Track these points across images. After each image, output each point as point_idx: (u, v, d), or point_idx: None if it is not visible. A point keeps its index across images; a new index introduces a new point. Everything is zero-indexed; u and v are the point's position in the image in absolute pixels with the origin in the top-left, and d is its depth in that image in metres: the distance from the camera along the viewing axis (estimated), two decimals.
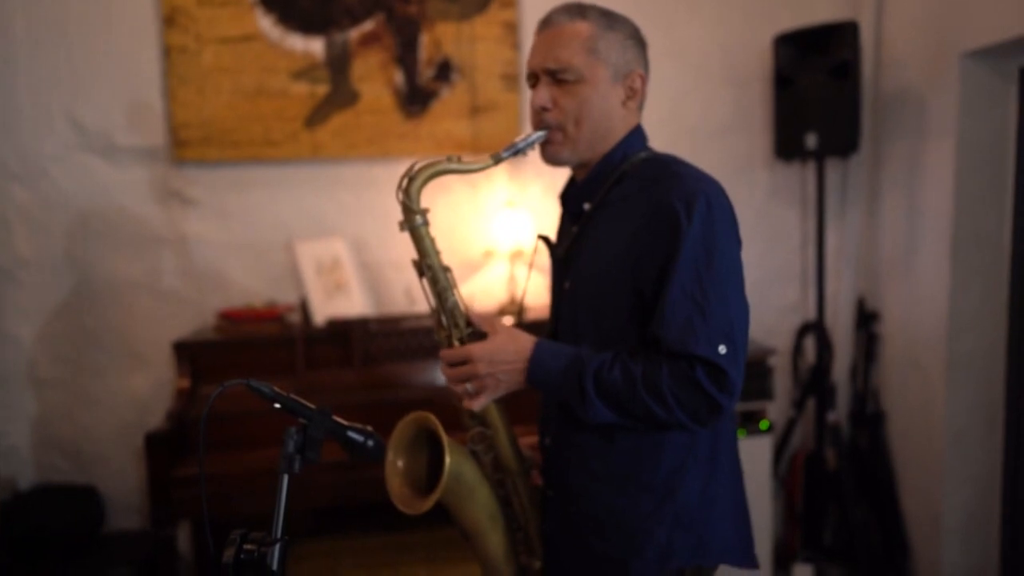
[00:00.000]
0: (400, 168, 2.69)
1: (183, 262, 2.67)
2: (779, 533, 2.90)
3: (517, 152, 1.20)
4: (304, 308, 2.56)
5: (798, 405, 2.90)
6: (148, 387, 2.66)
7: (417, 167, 1.20)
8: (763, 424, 2.55)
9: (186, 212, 2.65)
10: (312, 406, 1.04)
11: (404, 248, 2.73)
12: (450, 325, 1.22)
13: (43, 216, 2.59)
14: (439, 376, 2.38)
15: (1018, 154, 2.51)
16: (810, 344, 2.96)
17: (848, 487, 2.76)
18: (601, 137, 1.22)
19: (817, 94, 2.63)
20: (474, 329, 1.21)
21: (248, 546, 0.95)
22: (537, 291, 2.81)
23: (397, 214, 2.83)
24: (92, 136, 2.60)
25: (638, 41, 1.25)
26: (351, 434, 1.09)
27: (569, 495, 1.25)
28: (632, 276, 1.15)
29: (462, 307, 1.23)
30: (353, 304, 2.51)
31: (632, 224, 1.16)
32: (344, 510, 2.21)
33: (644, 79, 1.25)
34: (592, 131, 1.21)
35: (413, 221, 1.21)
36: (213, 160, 2.62)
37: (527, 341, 1.17)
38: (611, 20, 1.22)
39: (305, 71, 2.63)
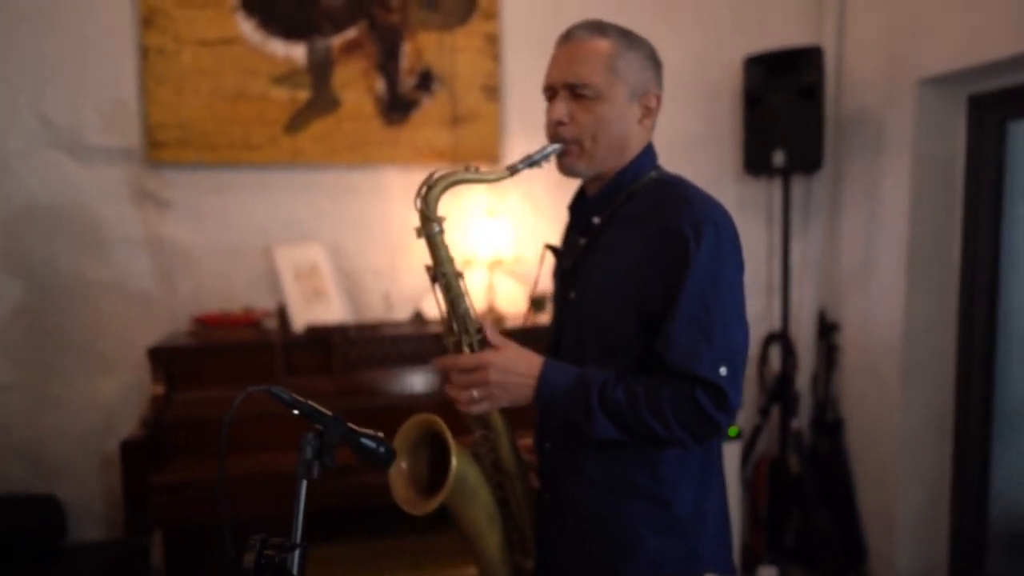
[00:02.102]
0: (380, 175, 2.77)
1: (156, 265, 2.62)
2: (744, 537, 2.99)
3: (533, 164, 1.21)
4: (282, 314, 2.54)
5: (763, 412, 3.00)
6: (116, 392, 2.60)
7: (436, 176, 1.20)
8: (732, 431, 2.63)
9: (161, 214, 2.61)
10: (328, 412, 1.06)
11: (382, 255, 2.78)
12: (460, 331, 1.23)
13: (4, 212, 2.51)
14: (420, 383, 2.41)
15: (967, 175, 2.68)
16: (775, 353, 3.08)
17: (810, 491, 2.88)
18: (616, 153, 1.24)
19: (784, 114, 2.76)
20: (483, 336, 1.22)
21: (268, 551, 0.96)
22: (513, 300, 2.85)
23: (376, 221, 2.86)
24: (61, 133, 2.53)
25: (655, 62, 1.27)
26: (364, 440, 1.10)
27: (566, 500, 1.28)
28: (639, 294, 1.18)
29: (473, 314, 1.24)
30: (332, 310, 2.51)
31: (641, 244, 1.19)
32: (328, 516, 2.20)
33: (659, 99, 1.27)
34: (607, 147, 1.23)
35: (431, 229, 1.21)
36: (190, 162, 2.59)
37: (536, 359, 1.20)
38: (631, 40, 1.24)
39: (286, 76, 2.62)
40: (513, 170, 1.20)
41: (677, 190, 1.23)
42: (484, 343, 1.22)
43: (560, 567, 1.30)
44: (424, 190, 1.21)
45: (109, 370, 2.60)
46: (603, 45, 1.21)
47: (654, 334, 1.17)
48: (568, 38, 1.24)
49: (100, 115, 2.54)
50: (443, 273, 1.24)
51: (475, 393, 1.17)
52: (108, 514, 2.62)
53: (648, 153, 1.29)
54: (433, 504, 1.21)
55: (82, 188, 2.55)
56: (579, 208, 1.35)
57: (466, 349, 1.23)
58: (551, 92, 1.25)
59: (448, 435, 1.22)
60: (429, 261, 1.25)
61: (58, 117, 2.52)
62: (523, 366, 1.18)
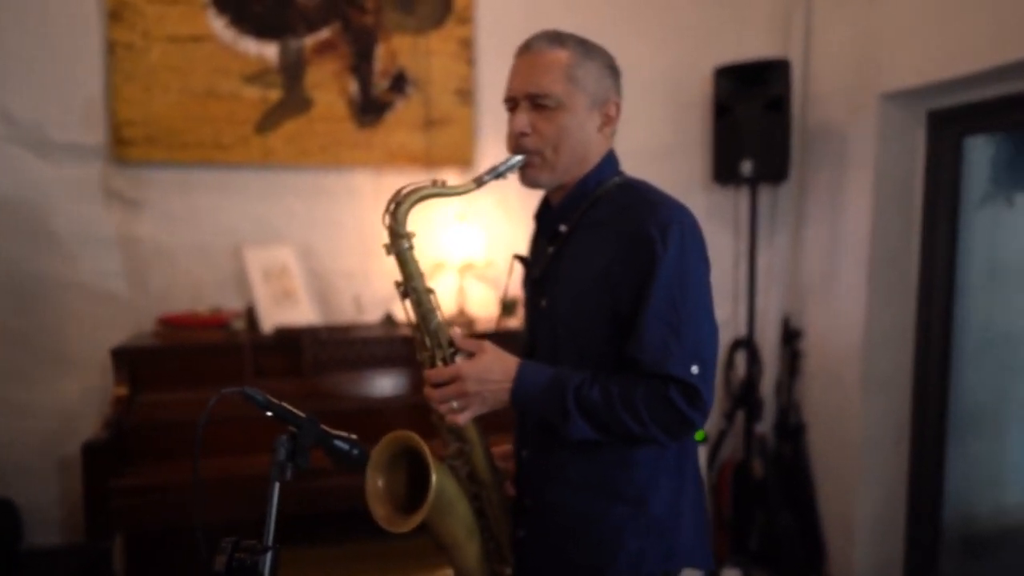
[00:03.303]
0: (352, 178, 2.76)
1: (121, 264, 2.56)
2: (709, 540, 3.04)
3: (498, 176, 1.22)
4: (250, 315, 2.51)
5: (728, 417, 3.06)
6: (78, 395, 2.54)
7: (404, 192, 1.21)
8: (699, 435, 2.66)
9: (128, 213, 2.56)
10: (302, 414, 1.06)
11: (352, 257, 2.77)
12: (433, 346, 1.23)
13: None
14: (390, 386, 2.40)
15: (925, 189, 2.77)
16: (741, 359, 3.13)
17: (773, 495, 2.94)
18: (578, 162, 1.26)
19: (753, 124, 2.82)
20: (456, 349, 1.22)
21: (240, 554, 0.96)
22: (484, 304, 2.86)
23: (347, 223, 2.85)
24: (24, 129, 2.47)
25: (613, 71, 1.28)
26: (337, 443, 1.11)
27: (546, 505, 1.28)
28: (610, 298, 1.20)
29: (445, 328, 1.24)
30: (301, 312, 2.49)
31: (609, 248, 1.20)
32: (298, 520, 2.18)
33: (619, 107, 1.29)
34: (570, 156, 1.24)
35: (400, 245, 1.22)
36: (159, 161, 2.55)
37: (512, 362, 1.20)
38: (589, 49, 1.25)
39: (258, 75, 2.60)
40: (479, 182, 1.21)
41: (641, 194, 1.25)
42: (455, 356, 1.22)
43: (542, 573, 1.31)
44: (392, 206, 1.22)
45: (71, 372, 2.54)
46: (562, 55, 1.21)
47: (626, 336, 1.18)
48: (527, 49, 1.24)
49: (65, 111, 2.49)
50: (414, 288, 1.24)
51: (455, 404, 1.18)
52: (67, 519, 2.55)
53: (610, 160, 1.30)
54: (414, 522, 1.20)
55: (46, 186, 2.49)
56: (545, 217, 1.36)
57: (439, 363, 1.22)
58: (512, 103, 1.26)
59: (426, 451, 1.21)
60: (399, 268, 1.26)
61: (21, 113, 2.46)
62: (498, 372, 1.18)
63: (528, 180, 1.28)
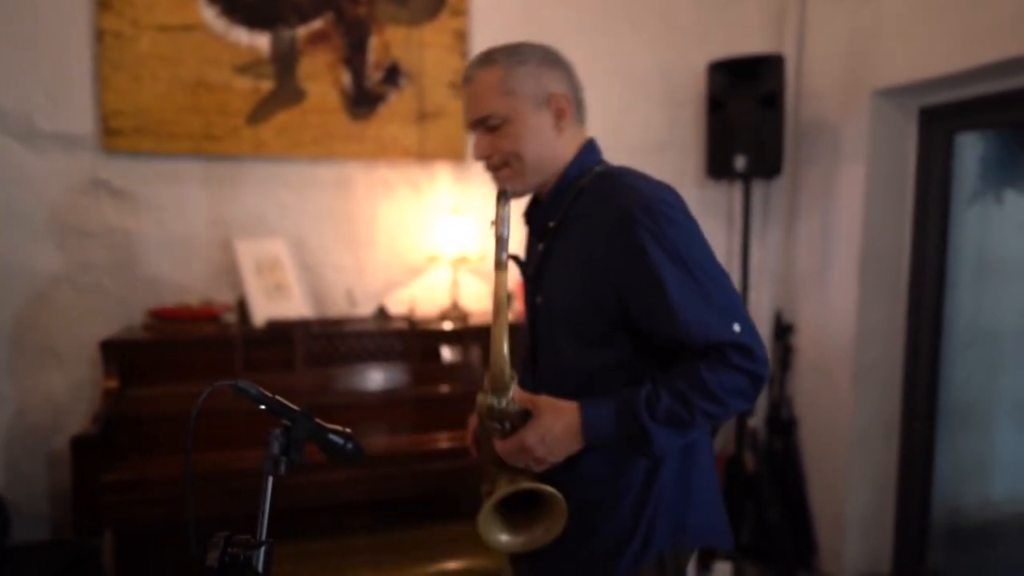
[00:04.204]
0: (345, 170, 2.74)
1: (110, 256, 2.53)
2: None
3: (506, 243, 1.19)
4: (242, 308, 2.49)
5: None
6: (65, 389, 2.51)
7: (494, 347, 1.17)
8: None
9: (116, 204, 2.53)
10: (296, 408, 1.05)
11: (345, 250, 2.75)
12: (501, 427, 1.21)
13: None
14: (383, 379, 2.39)
15: (916, 185, 2.78)
16: None
17: (765, 489, 2.95)
18: (547, 161, 1.28)
19: (746, 119, 2.82)
20: (513, 425, 1.20)
21: (233, 549, 0.95)
22: (477, 298, 2.86)
23: (340, 216, 2.83)
24: (9, 118, 2.43)
25: (552, 64, 1.29)
26: (332, 437, 1.09)
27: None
28: (604, 284, 1.20)
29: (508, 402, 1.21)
30: (293, 305, 2.47)
31: (597, 236, 1.21)
32: (286, 514, 2.17)
33: (568, 98, 1.28)
34: (535, 159, 1.27)
35: (506, 398, 1.18)
36: (147, 151, 2.51)
37: (572, 412, 1.18)
38: (518, 55, 1.26)
39: (249, 66, 2.57)
40: (501, 265, 1.17)
41: (622, 179, 1.25)
42: (515, 419, 1.20)
43: (557, 567, 1.32)
44: (495, 364, 1.17)
45: (59, 366, 2.51)
46: (492, 74, 1.25)
47: (636, 321, 1.19)
48: (466, 80, 1.29)
49: (52, 100, 2.45)
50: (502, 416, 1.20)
51: (531, 463, 1.20)
52: (55, 514, 2.53)
53: (589, 150, 1.32)
54: (557, 528, 1.23)
55: (32, 175, 2.46)
56: (534, 215, 1.39)
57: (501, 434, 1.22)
58: (471, 130, 1.32)
59: (528, 486, 1.21)
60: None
61: (7, 102, 2.42)
62: (559, 429, 1.17)
63: (512, 193, 1.31)
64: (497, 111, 1.25)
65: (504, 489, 1.21)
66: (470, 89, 1.28)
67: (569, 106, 1.28)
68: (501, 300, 1.16)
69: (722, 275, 1.19)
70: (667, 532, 1.25)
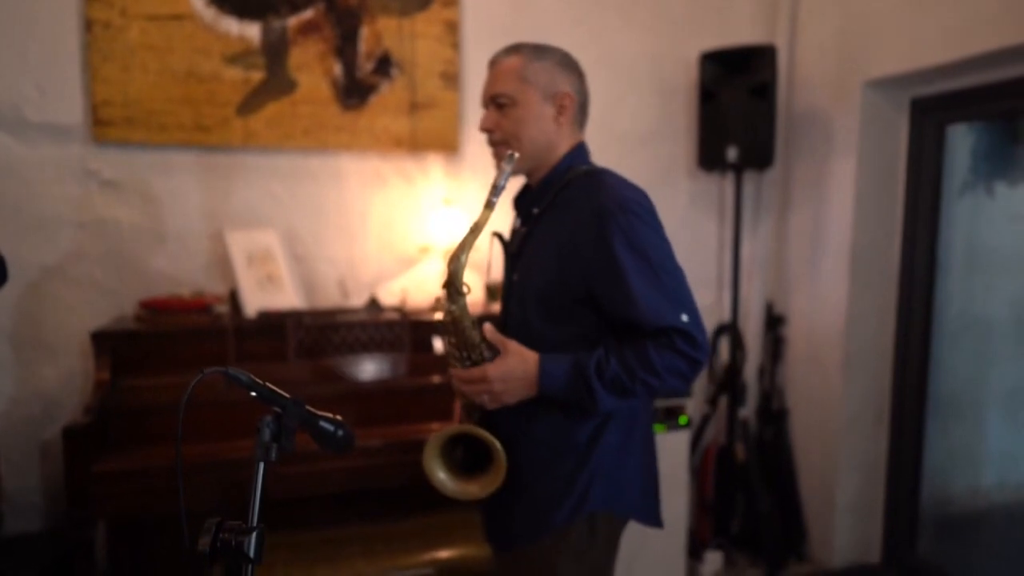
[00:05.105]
0: (337, 162, 2.74)
1: (101, 248, 2.52)
2: (691, 523, 3.07)
3: (500, 190, 1.32)
4: (234, 299, 2.48)
5: (712, 402, 3.09)
6: (57, 380, 2.50)
7: (455, 254, 1.33)
8: (682, 419, 2.70)
9: (105, 195, 2.51)
10: (287, 395, 1.05)
11: (337, 242, 2.75)
12: (466, 356, 1.38)
13: None
14: (375, 370, 2.39)
15: (908, 176, 2.80)
16: (725, 344, 3.16)
17: (755, 478, 2.97)
18: (541, 149, 1.44)
19: (738, 110, 2.82)
20: (488, 351, 1.36)
21: (224, 534, 0.95)
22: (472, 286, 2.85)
23: (332, 207, 2.83)
24: None
25: (567, 67, 1.45)
26: (323, 424, 1.10)
27: (514, 457, 1.41)
28: (575, 268, 1.34)
29: (476, 332, 1.37)
30: (285, 297, 2.47)
31: (572, 223, 1.36)
32: (279, 504, 2.17)
33: (572, 98, 1.44)
34: (531, 144, 1.42)
35: (459, 302, 1.35)
36: (138, 142, 2.50)
37: (532, 359, 1.34)
38: (540, 52, 1.44)
39: (240, 56, 2.56)
40: (491, 206, 1.31)
41: (603, 179, 1.39)
42: (483, 354, 1.37)
43: (504, 513, 1.47)
44: (452, 271, 1.33)
45: (51, 357, 2.50)
46: (514, 60, 1.43)
47: (598, 302, 1.34)
48: (491, 63, 1.47)
49: (41, 91, 2.43)
50: (463, 329, 1.36)
51: (485, 399, 1.36)
52: (48, 505, 2.52)
53: (580, 151, 1.48)
54: (491, 488, 1.38)
55: (21, 166, 2.44)
56: (522, 201, 1.55)
57: (468, 364, 1.38)
58: (486, 108, 1.47)
59: (485, 435, 1.36)
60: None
61: None
62: (520, 371, 1.33)
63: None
64: (509, 93, 1.41)
65: (459, 427, 1.39)
66: (493, 70, 1.45)
67: (572, 105, 1.44)
68: (479, 225, 1.29)
69: (678, 272, 1.35)
70: (601, 496, 1.39)
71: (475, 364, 1.36)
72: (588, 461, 1.39)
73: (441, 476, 1.42)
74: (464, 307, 1.35)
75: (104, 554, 2.30)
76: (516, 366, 1.33)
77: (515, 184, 1.54)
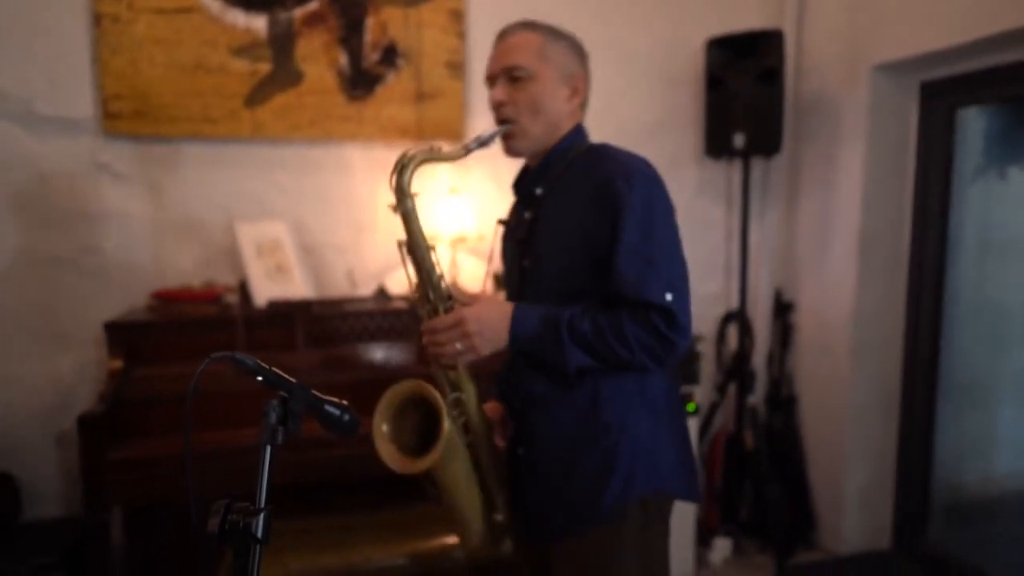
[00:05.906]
0: (343, 152, 2.75)
1: (112, 240, 2.56)
2: (700, 510, 3.08)
3: (483, 144, 1.33)
4: (243, 290, 2.51)
5: (720, 389, 3.09)
6: (72, 370, 2.54)
7: (408, 155, 1.33)
8: (690, 407, 2.70)
9: (116, 188, 2.54)
10: (293, 380, 1.06)
11: (345, 232, 2.76)
12: (436, 299, 1.34)
13: None
14: (383, 359, 2.42)
15: (917, 161, 2.77)
16: (733, 332, 3.15)
17: (763, 466, 2.97)
18: (551, 129, 1.41)
19: (745, 96, 2.80)
20: (456, 301, 1.34)
21: (233, 516, 0.97)
22: (476, 277, 2.87)
23: (339, 197, 2.85)
24: (10, 102, 2.44)
25: (579, 53, 1.45)
26: (329, 408, 1.11)
27: (539, 447, 1.39)
28: (588, 244, 1.32)
29: (445, 284, 1.35)
30: (294, 287, 2.49)
31: (580, 202, 1.34)
32: (287, 491, 2.20)
33: (585, 81, 1.44)
34: (543, 123, 1.39)
35: (406, 204, 1.32)
36: (147, 135, 2.53)
37: (507, 305, 1.34)
38: (556, 33, 1.42)
39: (246, 48, 2.57)
40: (467, 149, 1.33)
41: (606, 152, 1.38)
42: (454, 306, 1.34)
43: (541, 516, 1.40)
44: (398, 168, 1.32)
45: (65, 347, 2.54)
46: (533, 36, 1.39)
47: (605, 276, 1.30)
48: (504, 34, 1.42)
49: (51, 84, 2.46)
50: (417, 246, 1.34)
51: (458, 346, 1.31)
52: (65, 491, 2.57)
53: (580, 131, 1.45)
54: (426, 463, 1.26)
55: (33, 160, 2.48)
56: (522, 184, 1.50)
57: (442, 313, 1.33)
58: (491, 81, 1.42)
59: (436, 396, 1.29)
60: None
61: (6, 85, 2.43)
62: (495, 314, 1.31)
63: (510, 149, 1.43)
64: (528, 67, 1.37)
65: (410, 384, 1.30)
66: (506, 42, 1.40)
67: (584, 89, 1.43)
68: (444, 155, 1.32)
69: (676, 251, 1.32)
70: (647, 475, 1.33)
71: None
72: (625, 443, 1.33)
73: (385, 429, 1.31)
74: (413, 210, 1.32)
75: (120, 538, 2.34)
76: (491, 309, 1.31)
77: (499, 166, 1.53)
